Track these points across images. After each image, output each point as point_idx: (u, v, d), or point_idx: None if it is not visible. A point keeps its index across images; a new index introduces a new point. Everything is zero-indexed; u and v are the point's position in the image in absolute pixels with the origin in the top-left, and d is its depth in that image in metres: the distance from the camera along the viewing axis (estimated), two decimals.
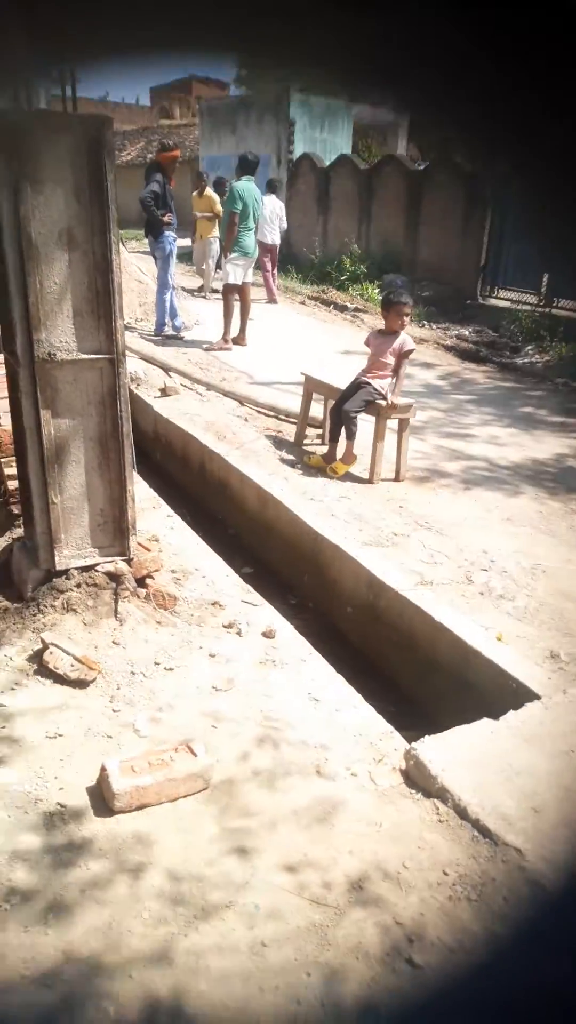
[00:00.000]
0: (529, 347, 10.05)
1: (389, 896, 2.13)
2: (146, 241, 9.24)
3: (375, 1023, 1.83)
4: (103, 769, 2.31)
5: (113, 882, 2.06)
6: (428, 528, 4.53)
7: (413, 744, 2.70)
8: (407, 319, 5.16)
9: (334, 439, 5.35)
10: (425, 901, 2.13)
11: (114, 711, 2.75)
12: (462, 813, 2.42)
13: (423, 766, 2.59)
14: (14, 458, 3.37)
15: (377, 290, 12.74)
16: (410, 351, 5.13)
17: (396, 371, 5.15)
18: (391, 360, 5.15)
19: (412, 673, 3.76)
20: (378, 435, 5.18)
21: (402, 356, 5.12)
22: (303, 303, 12.58)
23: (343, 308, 12.16)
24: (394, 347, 5.14)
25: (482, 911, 2.11)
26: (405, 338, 5.15)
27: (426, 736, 2.73)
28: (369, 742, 2.79)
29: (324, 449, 5.58)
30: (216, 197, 9.58)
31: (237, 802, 2.41)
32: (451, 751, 2.66)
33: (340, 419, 5.25)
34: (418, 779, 2.59)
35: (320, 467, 5.31)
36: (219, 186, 11.29)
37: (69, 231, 2.98)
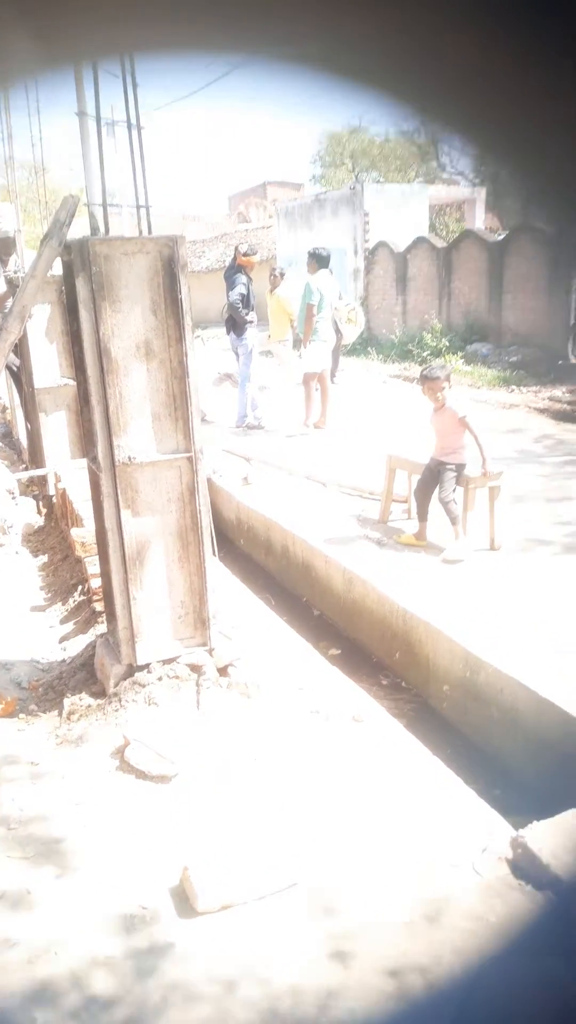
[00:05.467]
0: None
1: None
2: (228, 338, 9.67)
3: None
4: (185, 869, 2.28)
5: (197, 988, 2.00)
6: (527, 598, 4.36)
7: (520, 831, 2.52)
8: (441, 393, 5.08)
9: (422, 518, 5.30)
10: None
11: (197, 807, 2.72)
12: None
13: (532, 855, 2.41)
14: (96, 556, 3.51)
15: (462, 360, 12.77)
16: (463, 417, 5.05)
17: (473, 438, 5.07)
18: (454, 431, 5.09)
19: (517, 753, 3.56)
20: (467, 506, 5.09)
21: (460, 424, 5.05)
22: (384, 382, 12.73)
23: None
24: (448, 420, 5.09)
25: None
26: (454, 408, 5.08)
27: (534, 821, 2.55)
28: (471, 830, 2.64)
29: (411, 523, 5.53)
30: (286, 298, 9.94)
31: (330, 899, 2.31)
32: (562, 837, 2.47)
33: (426, 502, 5.22)
34: (527, 868, 2.42)
35: (411, 545, 5.25)
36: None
37: (147, 343, 3.18)
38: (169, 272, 3.12)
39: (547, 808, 2.64)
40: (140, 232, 3.49)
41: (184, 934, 2.19)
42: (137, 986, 2.03)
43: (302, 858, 2.44)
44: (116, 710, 3.17)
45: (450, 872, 2.43)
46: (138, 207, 3.52)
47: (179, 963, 2.09)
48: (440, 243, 15.17)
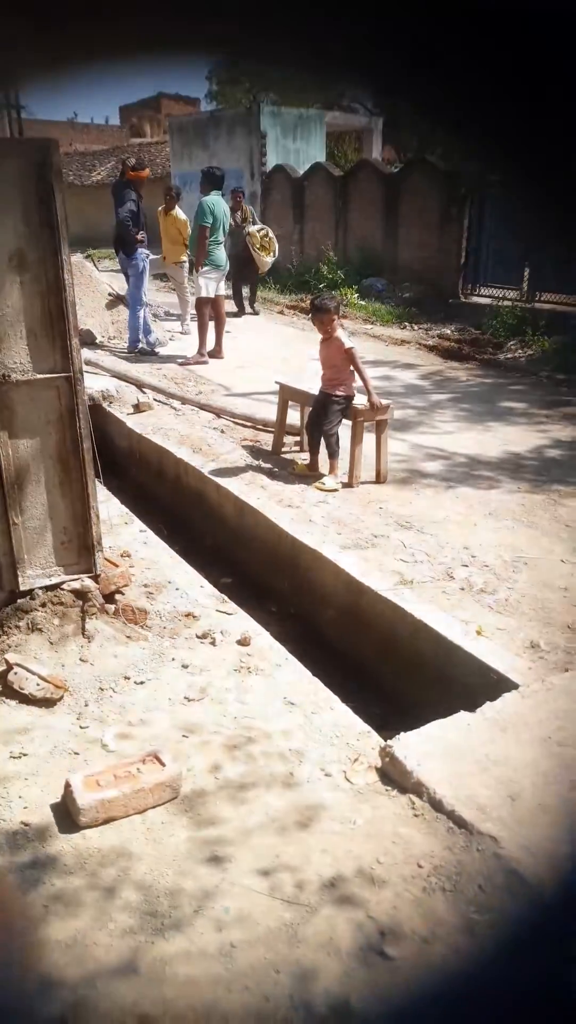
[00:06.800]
0: (512, 342, 10.05)
1: (362, 892, 2.13)
2: (118, 258, 9.29)
3: (346, 1014, 1.81)
4: (67, 785, 2.31)
5: (79, 896, 2.06)
6: (409, 528, 4.53)
7: (389, 741, 2.69)
8: (332, 325, 5.08)
9: (314, 450, 5.36)
10: (399, 895, 2.12)
11: (82, 728, 2.75)
12: (437, 806, 2.42)
13: (398, 762, 2.58)
14: None
15: (356, 295, 12.79)
16: (349, 348, 5.09)
17: (357, 372, 5.13)
18: (341, 363, 5.14)
19: (395, 673, 3.75)
20: (355, 439, 5.18)
21: (346, 356, 5.09)
22: (281, 312, 12.63)
23: None
24: (335, 351, 5.13)
25: (457, 900, 2.11)
26: (339, 339, 5.11)
27: (402, 733, 2.72)
28: (346, 742, 2.79)
29: (304, 456, 5.59)
30: (185, 219, 9.59)
31: (208, 810, 2.40)
32: (427, 746, 2.66)
33: (317, 434, 5.26)
34: (394, 775, 2.58)
35: (306, 475, 5.31)
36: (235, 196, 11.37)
37: (20, 254, 3.01)
38: (44, 179, 2.94)
39: (420, 723, 2.82)
40: (11, 135, 3.26)
41: (67, 848, 2.23)
42: (20, 899, 2.06)
43: (184, 770, 2.52)
44: None
45: (324, 782, 2.57)
46: (8, 107, 3.27)
47: (62, 875, 2.14)
48: (337, 171, 14.93)
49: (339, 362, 5.12)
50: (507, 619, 3.56)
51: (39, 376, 3.08)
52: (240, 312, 11.79)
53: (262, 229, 10.96)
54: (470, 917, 2.06)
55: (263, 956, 1.91)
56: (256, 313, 12.00)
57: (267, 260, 11.01)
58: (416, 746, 2.63)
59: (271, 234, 11.07)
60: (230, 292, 11.05)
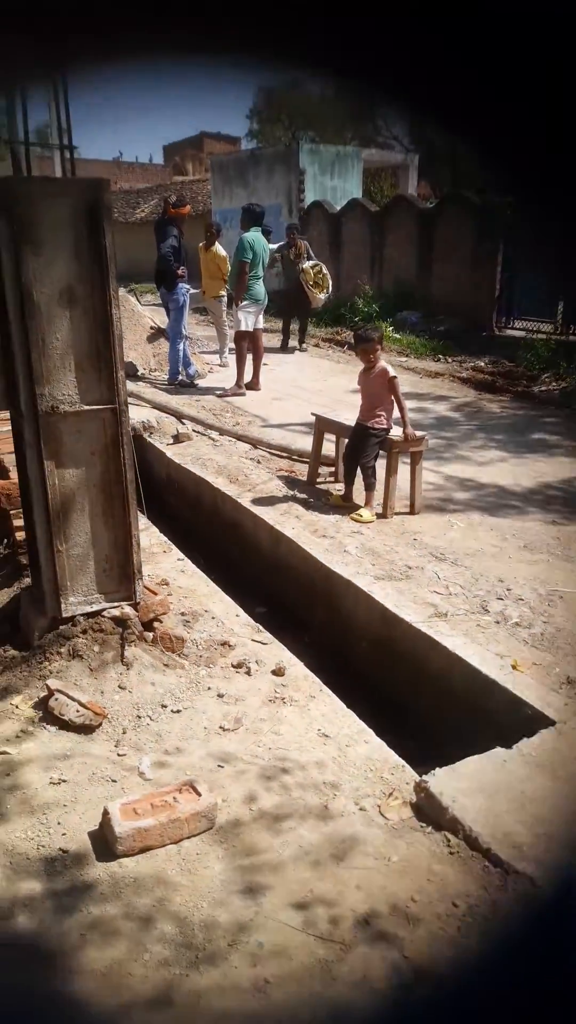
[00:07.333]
0: (546, 375, 10.03)
1: (397, 930, 2.11)
2: (159, 293, 9.51)
3: None
4: (105, 813, 2.34)
5: (115, 925, 2.07)
6: (443, 559, 4.53)
7: (424, 777, 2.68)
8: (375, 355, 5.17)
9: (349, 481, 5.40)
10: (433, 934, 2.10)
11: (119, 755, 2.78)
12: (473, 844, 2.40)
13: (433, 798, 2.57)
14: (21, 509, 3.47)
15: (391, 328, 12.89)
16: (392, 377, 5.15)
17: (396, 402, 5.18)
18: (381, 393, 5.19)
19: (428, 706, 3.73)
20: (391, 470, 5.21)
21: (388, 385, 5.15)
22: (317, 345, 12.75)
23: None
24: (376, 380, 5.18)
25: (492, 941, 2.08)
26: (383, 367, 5.18)
27: (437, 768, 2.71)
28: (380, 776, 2.78)
29: (338, 486, 5.63)
30: (225, 255, 9.78)
31: (243, 841, 2.41)
32: (462, 782, 2.64)
33: (353, 466, 5.31)
34: (429, 811, 2.57)
35: (340, 506, 5.35)
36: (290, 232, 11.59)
37: (70, 289, 3.11)
38: (94, 217, 3.05)
39: (453, 757, 2.80)
40: (64, 174, 3.40)
41: (103, 876, 2.25)
42: (56, 925, 2.08)
43: (219, 800, 2.53)
44: (40, 662, 3.16)
45: (358, 816, 2.56)
46: (61, 147, 3.41)
47: (98, 904, 2.16)
48: (374, 207, 15.15)
49: (380, 391, 5.17)
50: (543, 654, 3.53)
51: (86, 408, 3.16)
52: (284, 346, 11.95)
53: (316, 265, 11.07)
54: (504, 958, 2.03)
55: (297, 993, 1.90)
56: (304, 350, 12.13)
57: (320, 297, 11.10)
58: (452, 782, 2.62)
59: (325, 270, 11.17)
60: (268, 325, 11.19)
